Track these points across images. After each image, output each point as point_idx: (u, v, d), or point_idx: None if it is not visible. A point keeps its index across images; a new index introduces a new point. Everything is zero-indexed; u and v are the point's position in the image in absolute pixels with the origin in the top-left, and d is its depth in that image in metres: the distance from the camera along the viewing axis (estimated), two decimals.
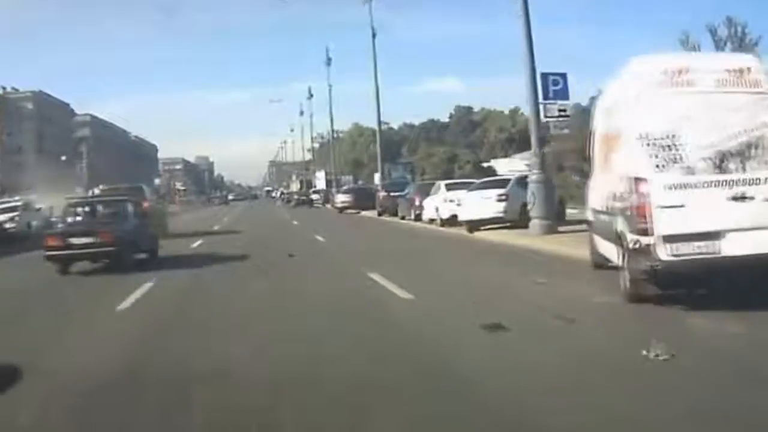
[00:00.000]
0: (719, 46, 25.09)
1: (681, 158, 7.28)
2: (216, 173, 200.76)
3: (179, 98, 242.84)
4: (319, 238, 21.54)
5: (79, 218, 16.78)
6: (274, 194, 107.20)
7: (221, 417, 4.66)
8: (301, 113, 77.32)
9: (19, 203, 28.81)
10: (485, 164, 63.65)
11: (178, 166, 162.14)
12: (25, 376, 3.87)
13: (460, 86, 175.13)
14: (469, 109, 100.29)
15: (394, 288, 9.79)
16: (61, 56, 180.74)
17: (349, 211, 41.95)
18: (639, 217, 7.35)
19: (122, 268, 13.96)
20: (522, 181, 20.26)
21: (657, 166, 7.31)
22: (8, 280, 14.96)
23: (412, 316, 8.16)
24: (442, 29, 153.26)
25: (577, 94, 47.51)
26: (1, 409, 4.32)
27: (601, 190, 9.33)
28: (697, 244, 7.15)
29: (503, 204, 19.55)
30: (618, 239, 8.10)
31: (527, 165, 56.21)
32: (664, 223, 7.21)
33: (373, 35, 39.37)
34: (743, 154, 7.27)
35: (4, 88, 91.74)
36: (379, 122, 43.28)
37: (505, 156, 75.75)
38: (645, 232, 7.27)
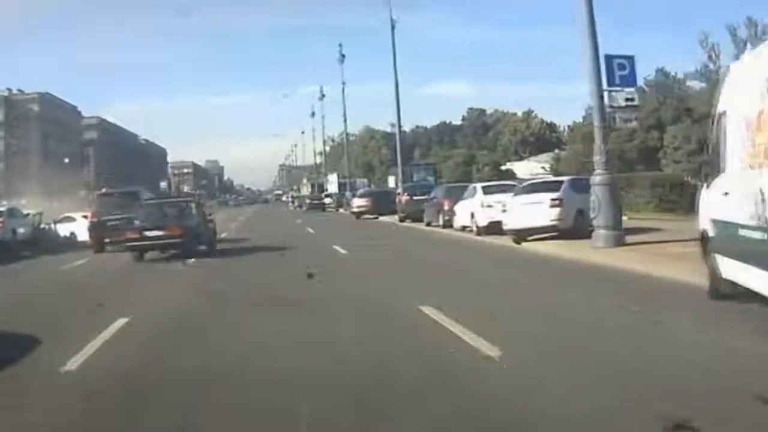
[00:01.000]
0: (738, 46, 22.65)
1: None
2: (226, 177, 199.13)
3: (190, 101, 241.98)
4: (340, 249, 18.53)
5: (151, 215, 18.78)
6: (284, 198, 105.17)
7: None
8: (313, 114, 75.32)
9: (2, 209, 26.56)
10: (503, 167, 61.16)
11: (187, 170, 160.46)
12: None
13: (472, 89, 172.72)
14: (482, 111, 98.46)
15: (465, 334, 6.78)
16: (70, 59, 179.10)
17: (367, 216, 38.76)
18: None
19: (187, 256, 17.03)
20: (576, 184, 17.61)
21: None
22: None
23: (519, 401, 4.81)
24: (449, 32, 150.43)
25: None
26: None
27: (745, 195, 6.65)
28: None
29: (557, 210, 16.71)
30: None
31: (543, 168, 53.53)
32: None
33: (392, 27, 36.68)
34: None
35: (9, 90, 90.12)
36: (399, 119, 40.66)
37: (520, 159, 73.29)
38: None
